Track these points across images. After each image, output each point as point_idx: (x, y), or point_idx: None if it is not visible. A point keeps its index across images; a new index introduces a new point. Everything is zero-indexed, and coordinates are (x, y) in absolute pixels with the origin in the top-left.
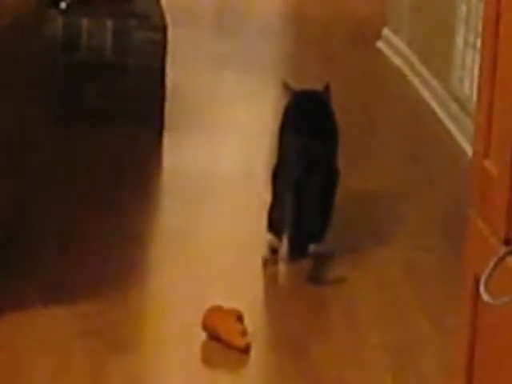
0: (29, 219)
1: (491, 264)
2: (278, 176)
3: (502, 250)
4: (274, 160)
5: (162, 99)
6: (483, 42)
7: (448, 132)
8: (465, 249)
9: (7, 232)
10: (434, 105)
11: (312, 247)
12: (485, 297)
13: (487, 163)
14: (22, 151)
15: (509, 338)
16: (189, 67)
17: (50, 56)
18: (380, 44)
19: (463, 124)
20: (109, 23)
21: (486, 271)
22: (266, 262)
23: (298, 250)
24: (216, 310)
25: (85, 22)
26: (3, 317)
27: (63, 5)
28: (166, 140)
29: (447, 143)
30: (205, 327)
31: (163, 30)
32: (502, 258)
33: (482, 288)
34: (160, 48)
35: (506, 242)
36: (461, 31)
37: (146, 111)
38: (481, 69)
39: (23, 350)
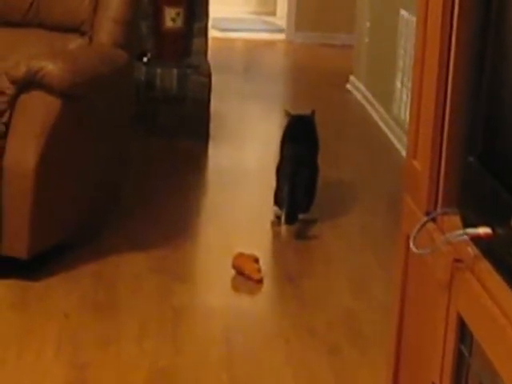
0: (123, 194)
1: (417, 228)
2: (279, 170)
3: (424, 218)
4: (277, 160)
5: (208, 120)
6: (413, 85)
7: (391, 143)
8: (401, 217)
9: (107, 201)
10: (382, 125)
11: (301, 216)
12: (413, 248)
13: (415, 162)
14: (118, 154)
15: (426, 276)
16: (225, 100)
17: (136, 92)
18: (348, 86)
19: (401, 138)
20: (174, 71)
21: (414, 232)
22: (273, 225)
23: (292, 218)
24: (241, 255)
25: (159, 70)
26: (106, 259)
27: (145, 59)
28: (210, 147)
29: (390, 149)
30: (233, 266)
31: (209, 75)
32: (423, 224)
33: (411, 242)
34: (207, 87)
35: (427, 214)
36: (399, 77)
37: (197, 128)
38: (411, 102)
39: (120, 281)
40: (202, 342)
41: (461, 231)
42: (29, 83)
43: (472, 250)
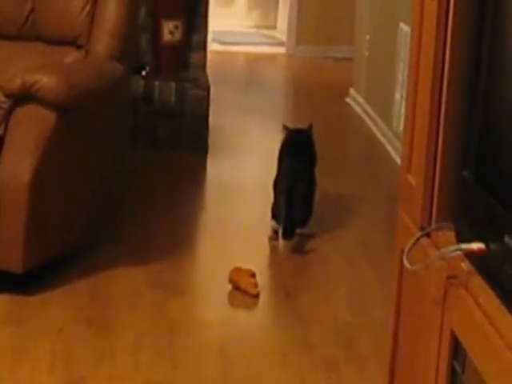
0: (120, 209)
1: (411, 243)
2: (277, 184)
3: (418, 233)
4: (275, 173)
5: (207, 134)
6: (407, 99)
7: (390, 156)
8: (395, 232)
9: (104, 215)
10: (381, 138)
11: (299, 230)
12: (406, 264)
13: (409, 176)
14: (116, 168)
15: (420, 292)
16: (224, 113)
17: (134, 106)
18: (348, 99)
19: (400, 151)
20: (172, 85)
21: (407, 247)
22: (270, 239)
23: (289, 233)
24: (237, 270)
25: (157, 83)
26: (101, 273)
27: (143, 73)
28: (209, 161)
29: (389, 162)
30: (230, 281)
31: (207, 89)
32: (418, 239)
33: (404, 258)
34: (205, 101)
35: (421, 229)
36: (398, 90)
37: (196, 142)
38: (405, 117)
39: (115, 295)
40: (198, 356)
41: (455, 247)
42: (24, 97)
43: (466, 266)
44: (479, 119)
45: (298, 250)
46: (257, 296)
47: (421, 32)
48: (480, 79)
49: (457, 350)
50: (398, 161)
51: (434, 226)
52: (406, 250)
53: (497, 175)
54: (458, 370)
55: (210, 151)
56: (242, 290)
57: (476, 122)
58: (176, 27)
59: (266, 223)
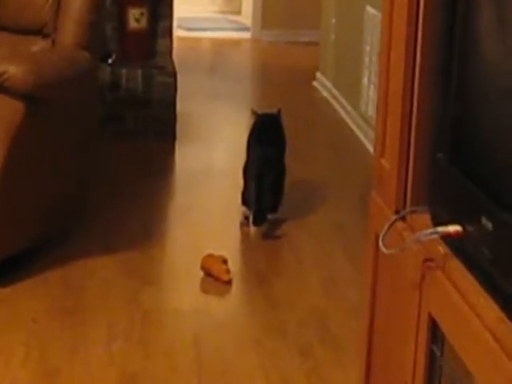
0: (88, 200)
1: (386, 226)
2: (246, 170)
3: (393, 217)
4: (244, 160)
5: (174, 121)
6: (379, 83)
7: (359, 140)
8: (370, 216)
9: (74, 205)
10: (349, 121)
11: (269, 216)
12: (382, 248)
13: (383, 160)
14: (86, 156)
15: (396, 276)
16: (191, 100)
17: (101, 94)
18: (315, 83)
19: (369, 135)
20: (139, 72)
21: (383, 231)
22: (241, 225)
23: (260, 219)
24: (209, 256)
25: (124, 71)
26: (73, 263)
27: (110, 60)
28: (177, 148)
29: (359, 147)
30: (202, 268)
31: (174, 76)
32: (393, 223)
33: (380, 242)
34: (172, 88)
35: (396, 212)
36: (365, 74)
37: (164, 129)
38: (378, 100)
39: (88, 285)
40: (172, 345)
41: (431, 230)
42: None
43: (442, 249)
44: (453, 101)
45: (270, 235)
46: (229, 282)
47: (392, 14)
48: (453, 61)
49: (435, 334)
50: (367, 144)
51: (408, 209)
52: (382, 234)
53: (472, 157)
54: (437, 353)
55: (178, 138)
56: (214, 277)
57: (450, 104)
58: (141, 14)
59: (237, 209)
